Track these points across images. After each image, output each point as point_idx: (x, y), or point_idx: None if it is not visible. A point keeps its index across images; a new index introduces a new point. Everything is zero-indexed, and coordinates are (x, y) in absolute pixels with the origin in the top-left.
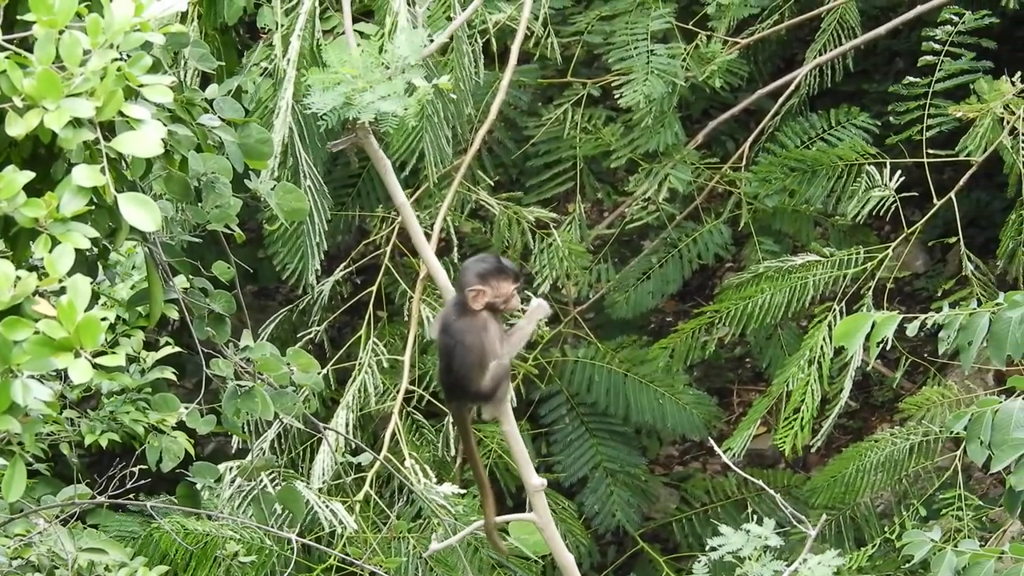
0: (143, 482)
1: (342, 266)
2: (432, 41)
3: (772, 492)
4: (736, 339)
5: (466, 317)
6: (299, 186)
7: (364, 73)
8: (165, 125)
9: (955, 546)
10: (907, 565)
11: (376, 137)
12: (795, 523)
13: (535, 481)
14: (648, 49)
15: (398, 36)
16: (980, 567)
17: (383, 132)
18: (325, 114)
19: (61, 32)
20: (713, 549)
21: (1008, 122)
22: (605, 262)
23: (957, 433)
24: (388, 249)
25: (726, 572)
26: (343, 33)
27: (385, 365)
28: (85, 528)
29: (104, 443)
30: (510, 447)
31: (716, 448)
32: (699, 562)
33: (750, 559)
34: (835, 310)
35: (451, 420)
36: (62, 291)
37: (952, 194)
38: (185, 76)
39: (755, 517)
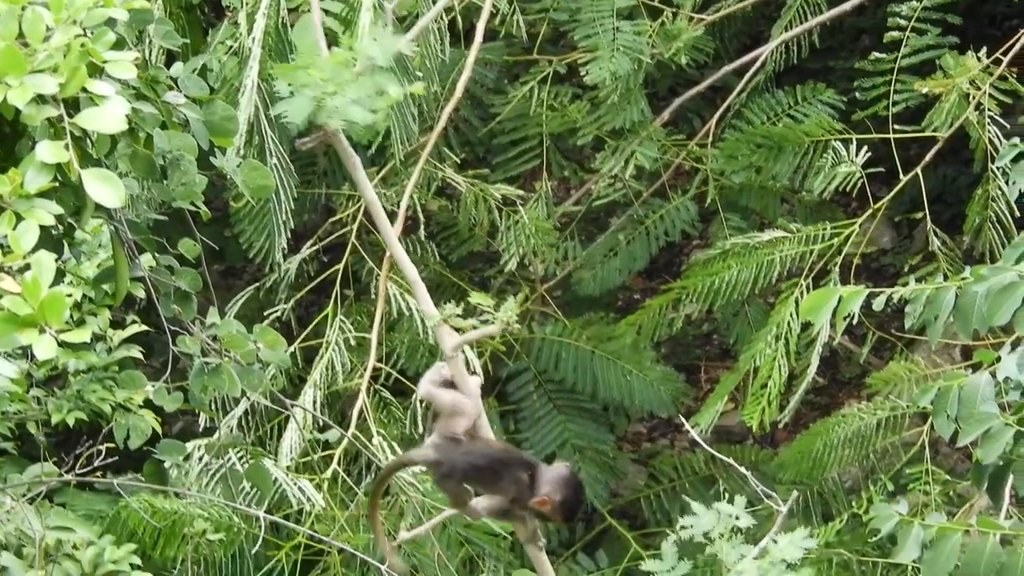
0: (110, 460)
1: (309, 244)
2: (404, 35)
3: (742, 470)
4: (703, 315)
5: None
6: (265, 164)
7: (333, 75)
8: (129, 102)
9: (922, 520)
10: (874, 539)
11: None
12: (764, 499)
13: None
14: (614, 26)
15: (366, 34)
16: (947, 541)
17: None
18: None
19: (23, 8)
20: (683, 528)
21: (974, 97)
22: (572, 239)
23: (924, 408)
24: (355, 227)
25: (695, 549)
26: (309, 11)
27: (352, 343)
28: (52, 506)
29: (71, 422)
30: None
31: (685, 423)
32: (668, 540)
33: (721, 538)
34: (802, 286)
35: (418, 398)
36: (27, 268)
37: (918, 170)
38: (150, 54)
39: (726, 495)
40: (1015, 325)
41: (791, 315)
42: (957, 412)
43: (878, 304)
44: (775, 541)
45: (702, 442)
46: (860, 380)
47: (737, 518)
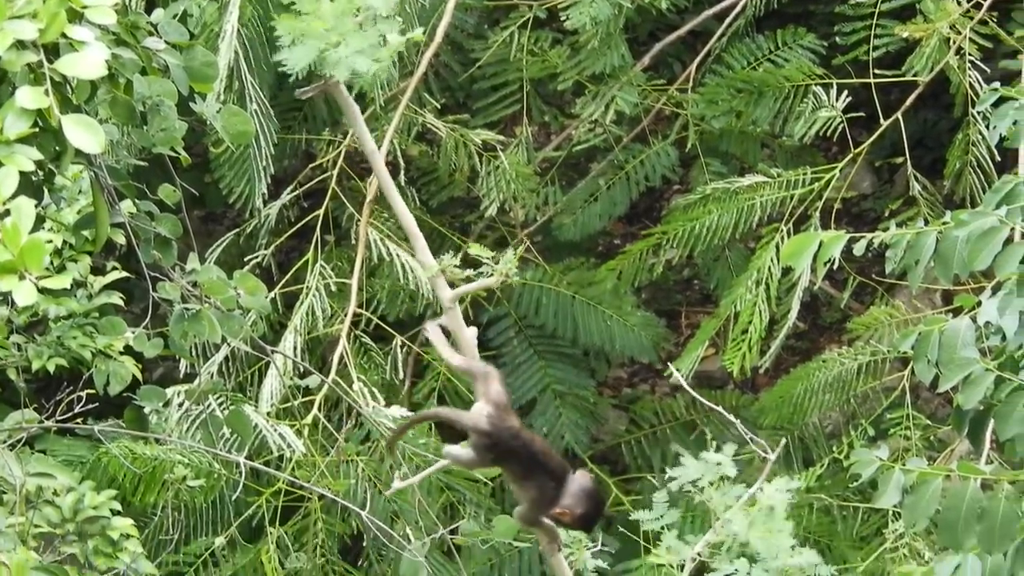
0: (90, 407)
1: (289, 190)
2: None
3: (730, 417)
4: (684, 261)
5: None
6: (245, 109)
7: (336, 25)
8: (109, 48)
9: (903, 465)
10: (855, 484)
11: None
12: (750, 443)
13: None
14: None
15: None
16: (927, 486)
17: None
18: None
19: None
20: (671, 479)
21: (954, 42)
22: (552, 184)
23: (905, 353)
24: (335, 173)
25: (678, 496)
26: None
27: (333, 289)
28: (33, 453)
29: (51, 368)
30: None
31: (671, 368)
32: (658, 492)
33: (711, 486)
34: (782, 231)
35: (399, 343)
36: (6, 214)
37: (899, 115)
38: (129, 0)
39: (713, 444)
40: (995, 269)
41: (771, 260)
42: (938, 357)
43: (859, 249)
44: (761, 489)
45: (686, 386)
46: (841, 325)
47: (724, 467)
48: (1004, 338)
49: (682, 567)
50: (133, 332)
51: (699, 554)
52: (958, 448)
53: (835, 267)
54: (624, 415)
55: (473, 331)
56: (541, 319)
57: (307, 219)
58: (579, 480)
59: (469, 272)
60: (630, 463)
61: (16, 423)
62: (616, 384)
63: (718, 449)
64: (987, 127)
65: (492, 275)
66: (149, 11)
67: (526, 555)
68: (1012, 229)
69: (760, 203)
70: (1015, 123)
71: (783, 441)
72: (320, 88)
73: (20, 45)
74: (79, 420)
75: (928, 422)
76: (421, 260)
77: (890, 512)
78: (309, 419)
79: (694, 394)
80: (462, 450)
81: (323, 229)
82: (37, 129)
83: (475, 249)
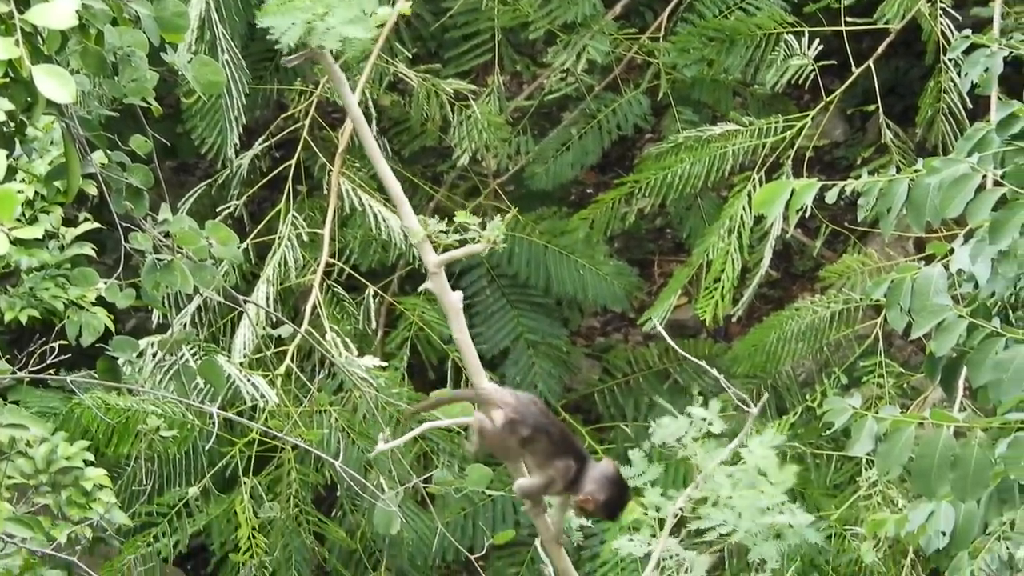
0: (63, 358)
1: (261, 140)
2: None
3: (710, 369)
4: (656, 209)
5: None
6: (216, 60)
7: None
8: None
9: (876, 413)
10: (828, 433)
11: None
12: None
13: (487, 386)
14: None
15: None
16: (900, 433)
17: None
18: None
19: None
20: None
21: None
22: (524, 134)
23: (877, 300)
24: (307, 123)
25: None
26: None
27: (305, 239)
28: (5, 404)
29: (24, 319)
30: (461, 353)
31: (653, 320)
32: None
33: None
34: (754, 179)
35: (372, 293)
36: None
37: (871, 62)
38: None
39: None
40: (967, 217)
41: (744, 208)
42: (910, 304)
43: (831, 197)
44: (745, 444)
45: (664, 334)
46: (813, 273)
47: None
48: (976, 285)
49: (663, 523)
50: (105, 283)
51: (681, 510)
52: (931, 396)
53: (807, 215)
54: (597, 364)
55: (459, 295)
56: (513, 268)
57: (279, 169)
58: (602, 467)
59: (455, 238)
60: (603, 412)
61: None
62: (589, 333)
63: (705, 404)
64: (959, 75)
65: (479, 242)
66: None
67: (499, 504)
68: (984, 176)
69: (732, 151)
70: (986, 70)
71: (765, 396)
72: (306, 55)
73: None
74: (52, 371)
75: (901, 370)
76: (407, 225)
77: (863, 460)
78: (282, 369)
79: (670, 342)
80: (487, 420)
81: (295, 179)
82: (8, 80)
83: (462, 216)
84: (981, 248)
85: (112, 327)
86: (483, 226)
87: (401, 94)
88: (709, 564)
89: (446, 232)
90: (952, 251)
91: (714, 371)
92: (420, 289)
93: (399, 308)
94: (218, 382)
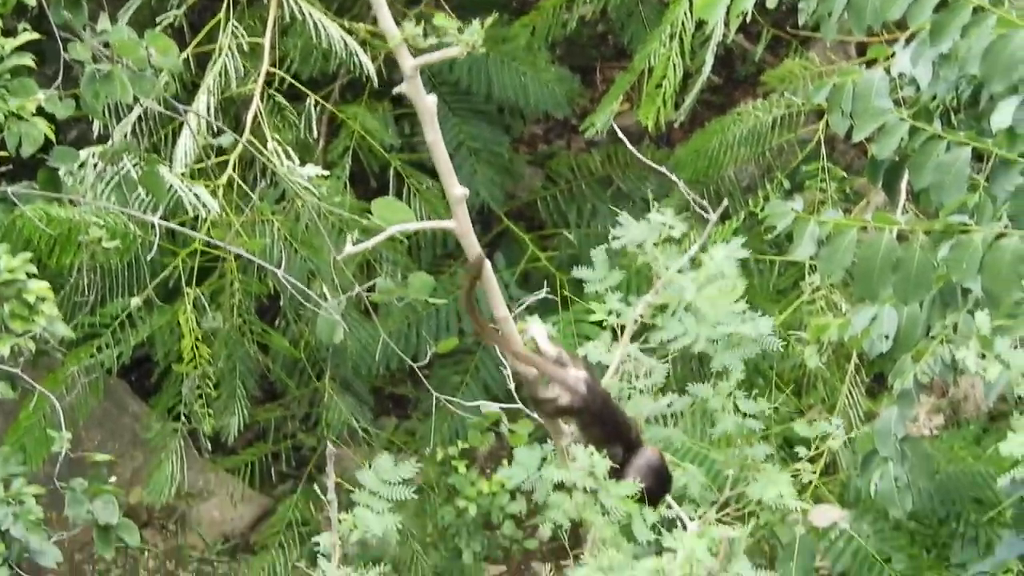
0: (4, 170)
1: None
2: None
3: (674, 177)
4: (597, 16)
5: None
6: None
7: None
8: None
9: (818, 217)
10: (770, 237)
11: None
12: (668, 197)
13: (457, 192)
14: None
15: None
16: (843, 236)
17: None
18: None
19: None
20: (616, 238)
21: None
22: None
23: (819, 104)
24: None
25: (599, 242)
26: None
27: (245, 48)
28: None
29: None
30: (434, 157)
31: (595, 127)
32: (598, 249)
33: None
34: None
35: (313, 102)
36: None
37: None
38: None
39: (656, 205)
40: (908, 19)
41: (685, 14)
42: (852, 108)
43: (772, 1)
44: (705, 249)
45: (627, 141)
46: (755, 78)
47: (671, 227)
48: (918, 88)
49: (623, 328)
50: (45, 93)
51: (640, 316)
52: (874, 200)
53: (749, 20)
54: (540, 171)
55: (433, 98)
56: (455, 75)
57: None
58: (647, 455)
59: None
60: (546, 219)
61: None
62: (532, 140)
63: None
64: None
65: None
66: None
67: (443, 312)
68: None
69: None
70: None
71: (724, 202)
72: None
73: None
74: None
75: (843, 174)
76: (384, 29)
77: (807, 265)
78: (224, 179)
79: (629, 146)
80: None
81: None
82: None
83: (440, 20)
84: (922, 51)
85: (53, 138)
86: (461, 31)
87: None
88: (667, 371)
89: (424, 36)
90: (894, 54)
91: (673, 176)
92: (395, 91)
93: (340, 117)
94: (159, 192)
